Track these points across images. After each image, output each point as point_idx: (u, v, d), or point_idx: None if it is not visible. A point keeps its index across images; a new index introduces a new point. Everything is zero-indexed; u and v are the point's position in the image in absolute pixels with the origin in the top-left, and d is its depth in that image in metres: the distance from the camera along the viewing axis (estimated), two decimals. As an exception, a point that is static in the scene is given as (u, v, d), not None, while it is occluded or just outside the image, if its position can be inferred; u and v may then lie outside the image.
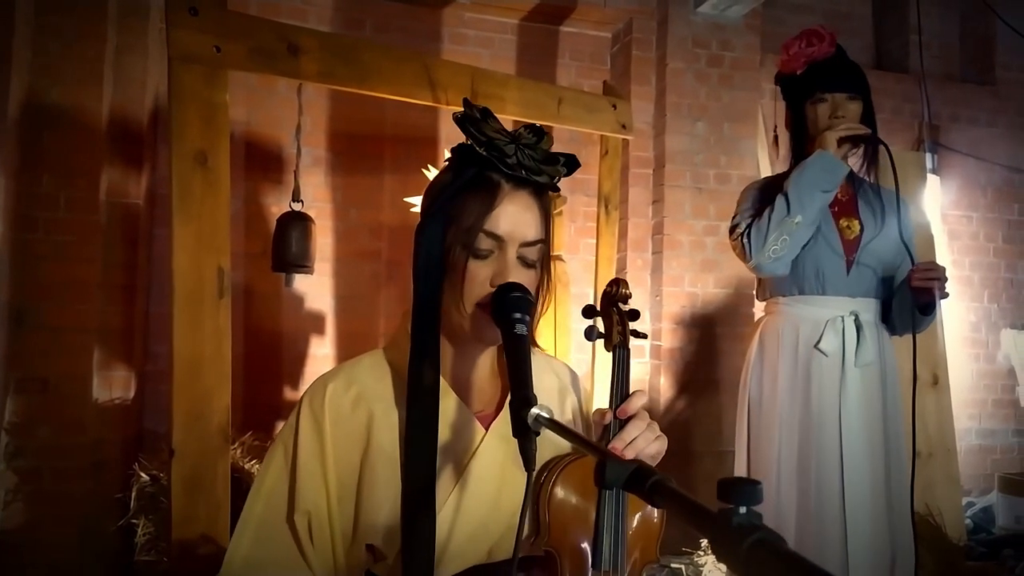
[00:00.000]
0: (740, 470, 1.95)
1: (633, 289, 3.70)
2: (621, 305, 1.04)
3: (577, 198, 3.60)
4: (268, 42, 1.82)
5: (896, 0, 4.19)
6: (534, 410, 0.72)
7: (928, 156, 3.87)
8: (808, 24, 4.07)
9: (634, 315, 1.04)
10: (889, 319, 1.89)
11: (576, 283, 3.42)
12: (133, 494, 2.51)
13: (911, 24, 3.92)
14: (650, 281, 3.51)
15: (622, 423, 0.90)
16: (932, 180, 3.86)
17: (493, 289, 0.89)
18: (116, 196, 2.76)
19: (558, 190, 0.98)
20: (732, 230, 1.92)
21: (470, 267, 0.90)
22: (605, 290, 1.06)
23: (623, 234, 3.49)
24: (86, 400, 2.62)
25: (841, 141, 1.76)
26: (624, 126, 2.74)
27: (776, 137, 2.09)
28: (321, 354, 3.27)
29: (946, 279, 1.72)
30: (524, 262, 0.92)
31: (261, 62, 1.82)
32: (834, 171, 1.75)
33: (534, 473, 0.72)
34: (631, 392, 0.95)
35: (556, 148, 3.39)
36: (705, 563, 2.60)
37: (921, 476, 3.32)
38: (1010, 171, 4.14)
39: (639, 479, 0.50)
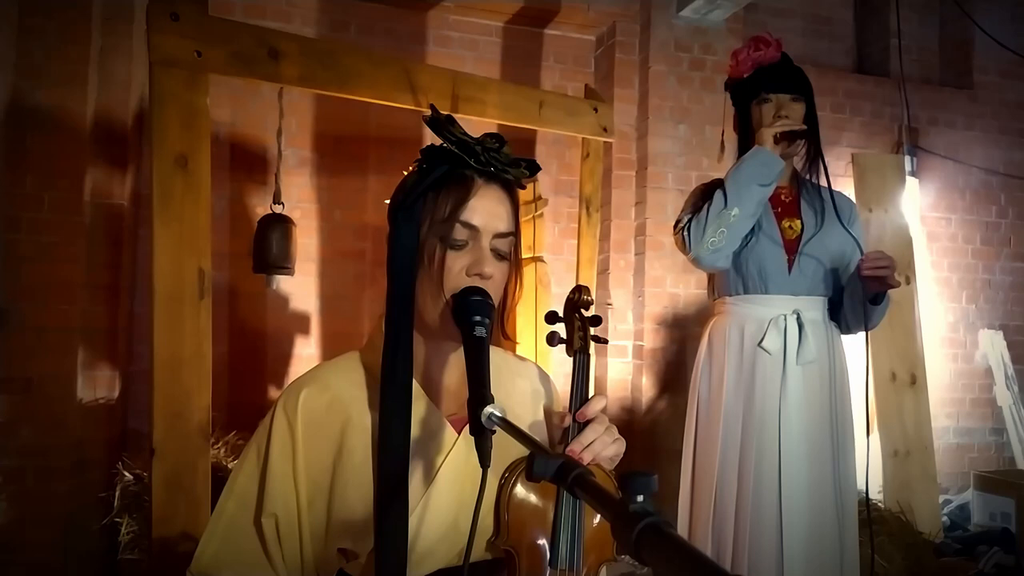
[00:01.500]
0: (686, 469, 1.99)
1: (616, 290, 3.73)
2: (583, 311, 1.06)
3: (561, 199, 3.64)
4: (248, 47, 1.85)
5: (877, 4, 4.25)
6: (488, 408, 0.75)
7: (907, 159, 3.93)
8: (790, 28, 4.15)
9: (595, 321, 1.06)
10: (841, 314, 1.93)
11: (560, 283, 3.46)
12: (116, 493, 2.53)
13: (891, 28, 3.97)
14: (632, 282, 3.55)
15: (581, 426, 0.92)
16: (911, 183, 3.91)
17: (470, 278, 0.92)
18: (100, 197, 2.77)
19: (524, 187, 1.01)
20: (675, 226, 1.98)
21: (447, 258, 0.92)
22: (568, 296, 1.08)
23: (606, 235, 3.53)
24: (70, 400, 2.63)
25: (778, 138, 1.82)
26: (605, 129, 2.77)
27: (723, 143, 2.14)
28: (306, 354, 3.29)
29: (894, 268, 1.74)
30: (497, 253, 0.95)
31: (241, 66, 1.84)
32: (770, 166, 1.81)
33: (488, 470, 0.75)
34: (590, 396, 0.97)
35: (540, 150, 3.44)
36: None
37: (898, 474, 3.41)
38: (987, 174, 4.20)
39: (564, 472, 0.54)
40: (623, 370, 3.52)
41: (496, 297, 0.95)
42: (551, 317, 1.09)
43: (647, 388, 3.43)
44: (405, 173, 1.01)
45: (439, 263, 0.92)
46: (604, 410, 0.95)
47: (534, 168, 1.00)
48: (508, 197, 0.98)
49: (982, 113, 4.20)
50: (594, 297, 2.85)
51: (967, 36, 4.15)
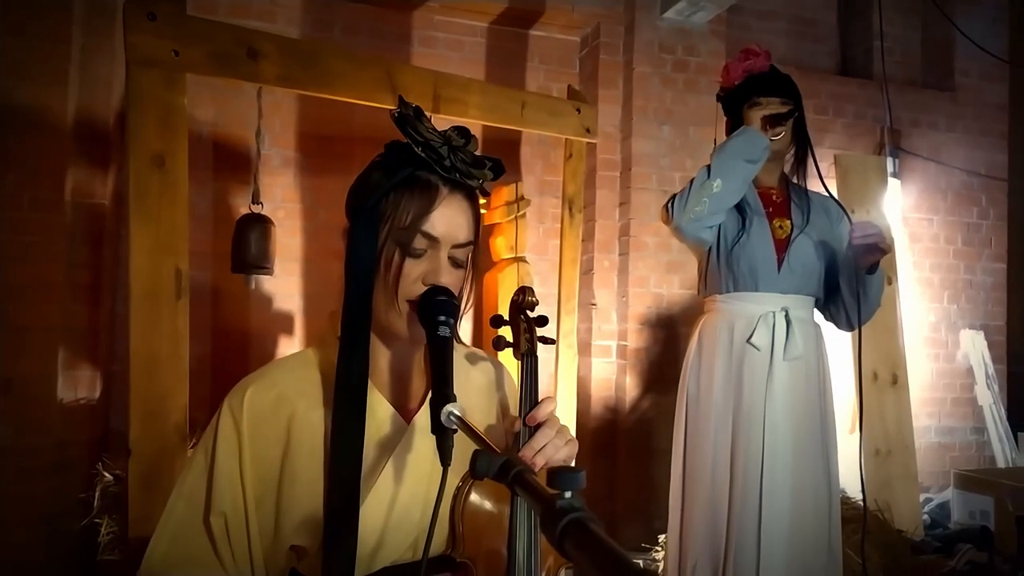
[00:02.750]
0: (676, 466, 2.01)
1: (600, 290, 3.74)
2: (528, 313, 1.05)
3: (546, 200, 3.65)
4: (227, 46, 1.85)
5: (860, 7, 4.28)
6: (448, 407, 0.76)
7: (890, 160, 3.96)
8: (774, 30, 4.17)
9: (541, 322, 1.05)
10: (839, 303, 1.96)
11: (544, 283, 3.47)
12: (96, 494, 2.52)
13: (874, 31, 4.00)
14: (617, 282, 3.56)
15: (532, 430, 0.91)
16: (893, 184, 3.95)
17: (425, 287, 0.92)
18: (81, 196, 2.76)
19: (487, 193, 1.01)
20: (664, 207, 2.03)
21: (405, 266, 0.92)
22: (512, 299, 1.07)
23: (591, 236, 3.55)
24: (50, 400, 2.62)
25: (764, 120, 1.89)
26: (588, 130, 2.79)
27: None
28: (289, 353, 3.29)
29: (884, 236, 1.77)
30: (454, 262, 0.95)
31: (220, 66, 1.84)
32: (755, 142, 1.87)
33: (448, 468, 0.75)
34: (540, 399, 0.95)
35: (525, 150, 3.43)
36: (661, 558, 2.65)
37: (880, 473, 3.44)
38: (968, 175, 4.24)
39: (506, 470, 0.54)
40: (607, 370, 3.53)
41: None
42: (496, 320, 1.07)
43: (631, 388, 3.45)
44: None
45: (396, 270, 0.92)
46: (553, 412, 0.94)
47: (499, 170, 0.99)
48: (471, 206, 0.98)
49: (963, 115, 4.24)
50: (578, 297, 2.87)
51: (949, 39, 4.19)
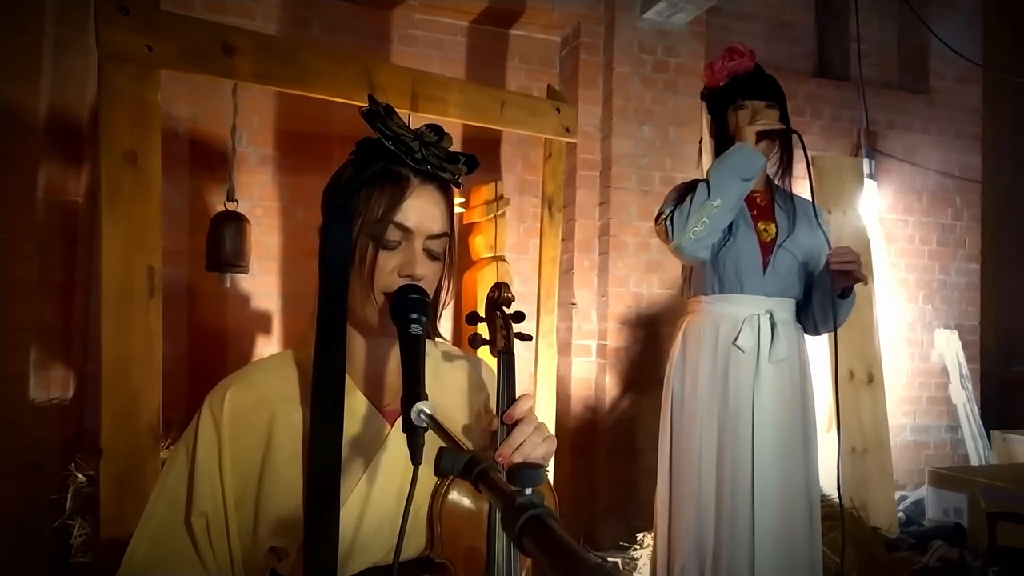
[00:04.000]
0: (663, 466, 2.01)
1: (580, 289, 3.74)
2: (505, 309, 1.04)
3: (526, 199, 3.65)
4: (201, 42, 1.83)
5: (837, 9, 4.32)
6: (419, 405, 0.76)
7: (866, 162, 4.01)
8: (752, 32, 4.20)
9: (518, 318, 1.04)
10: (808, 312, 1.98)
11: (525, 283, 3.47)
12: (69, 495, 2.48)
13: (851, 33, 4.05)
14: (597, 281, 3.57)
15: (510, 428, 0.91)
16: (869, 185, 3.99)
17: (401, 279, 0.92)
18: (54, 193, 2.72)
19: (460, 186, 1.01)
20: (657, 217, 2.01)
21: (379, 258, 0.92)
22: (487, 295, 1.06)
23: (571, 235, 3.55)
24: (23, 400, 2.58)
25: (759, 136, 1.87)
26: (568, 129, 2.78)
27: (701, 149, 2.18)
28: (268, 353, 3.25)
29: (861, 263, 1.80)
30: (430, 254, 0.95)
31: (194, 62, 1.82)
32: (752, 161, 1.86)
33: (419, 467, 0.75)
34: (517, 396, 0.95)
35: (506, 149, 3.42)
36: (640, 556, 2.66)
37: (856, 471, 3.47)
38: (943, 177, 4.30)
39: (470, 467, 0.54)
40: (587, 369, 3.54)
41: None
42: (472, 318, 1.07)
43: (611, 387, 3.46)
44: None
45: (371, 263, 0.92)
46: (531, 409, 0.93)
47: (473, 164, 0.99)
48: (443, 197, 0.98)
49: (938, 117, 4.30)
50: (558, 297, 2.87)
51: (924, 42, 4.24)
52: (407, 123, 0.96)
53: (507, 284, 1.06)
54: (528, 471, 0.44)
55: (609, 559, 2.78)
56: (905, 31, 4.40)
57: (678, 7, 3.41)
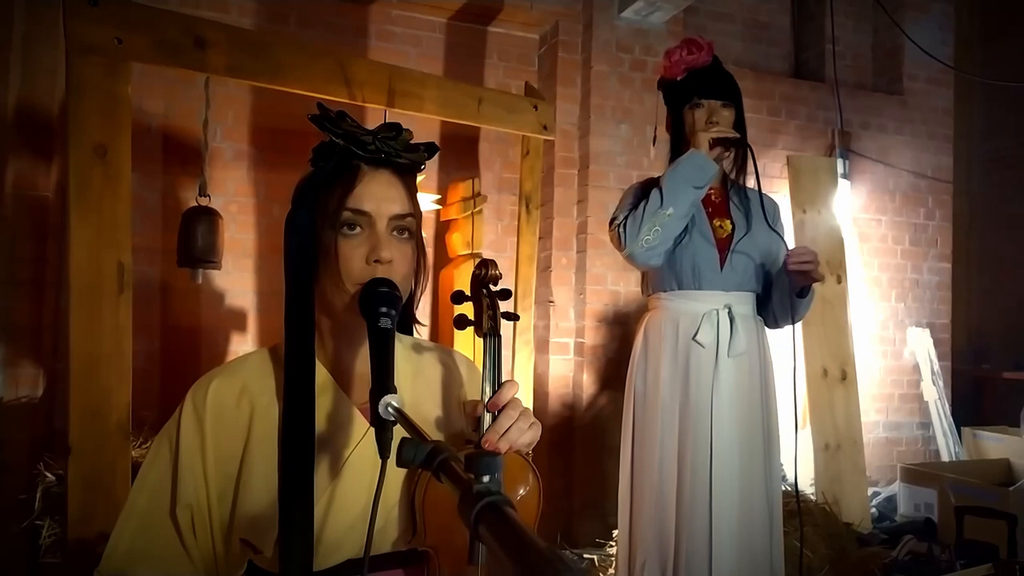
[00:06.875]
0: (625, 463, 2.02)
1: (558, 287, 3.74)
2: (491, 287, 1.00)
3: (504, 197, 3.65)
4: (173, 35, 1.81)
5: (813, 11, 4.37)
6: (386, 398, 0.76)
7: (840, 162, 4.05)
8: (729, 32, 4.23)
9: (504, 295, 1.01)
10: (768, 308, 2.00)
11: (502, 281, 3.46)
12: (38, 495, 2.44)
13: (827, 35, 4.09)
14: (574, 279, 3.58)
15: (495, 414, 0.90)
16: (843, 185, 4.04)
17: (371, 267, 0.92)
18: (23, 188, 2.67)
19: (421, 169, 1.01)
20: (611, 222, 2.01)
21: (341, 247, 0.92)
22: (473, 272, 1.02)
23: (549, 233, 3.55)
24: (-10, 399, 2.54)
25: (713, 143, 1.89)
26: (545, 127, 2.79)
27: (655, 137, 2.20)
28: (243, 351, 3.22)
29: (818, 263, 1.83)
30: (397, 237, 0.95)
31: (165, 55, 1.80)
32: (705, 169, 1.88)
33: (387, 461, 0.74)
34: (503, 382, 0.94)
35: (484, 147, 3.41)
36: (616, 553, 2.67)
37: (829, 467, 3.51)
38: (915, 177, 4.36)
39: (432, 458, 0.54)
40: (564, 367, 3.55)
41: (400, 280, 0.94)
42: (457, 296, 1.02)
43: (588, 385, 3.47)
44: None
45: (336, 253, 0.93)
46: (516, 395, 0.93)
47: (433, 149, 1.01)
48: (400, 180, 0.98)
49: (911, 118, 4.36)
50: (536, 295, 2.87)
51: (898, 44, 4.30)
52: (384, 120, 0.97)
53: (493, 261, 1.01)
54: (486, 459, 0.44)
55: (585, 556, 2.79)
56: (879, 34, 4.46)
57: (656, 6, 3.43)
